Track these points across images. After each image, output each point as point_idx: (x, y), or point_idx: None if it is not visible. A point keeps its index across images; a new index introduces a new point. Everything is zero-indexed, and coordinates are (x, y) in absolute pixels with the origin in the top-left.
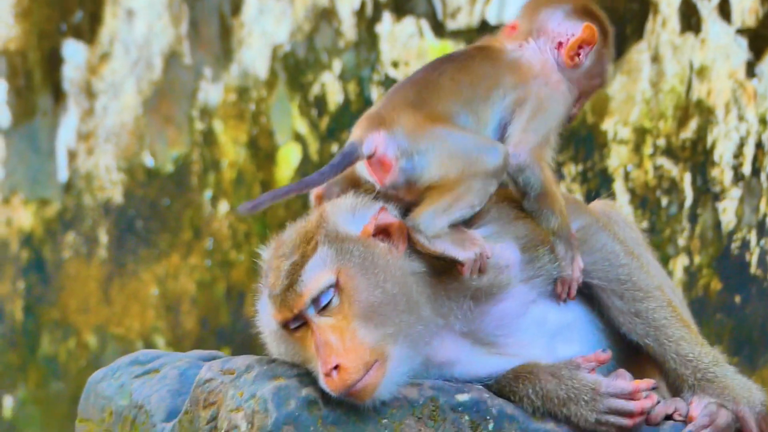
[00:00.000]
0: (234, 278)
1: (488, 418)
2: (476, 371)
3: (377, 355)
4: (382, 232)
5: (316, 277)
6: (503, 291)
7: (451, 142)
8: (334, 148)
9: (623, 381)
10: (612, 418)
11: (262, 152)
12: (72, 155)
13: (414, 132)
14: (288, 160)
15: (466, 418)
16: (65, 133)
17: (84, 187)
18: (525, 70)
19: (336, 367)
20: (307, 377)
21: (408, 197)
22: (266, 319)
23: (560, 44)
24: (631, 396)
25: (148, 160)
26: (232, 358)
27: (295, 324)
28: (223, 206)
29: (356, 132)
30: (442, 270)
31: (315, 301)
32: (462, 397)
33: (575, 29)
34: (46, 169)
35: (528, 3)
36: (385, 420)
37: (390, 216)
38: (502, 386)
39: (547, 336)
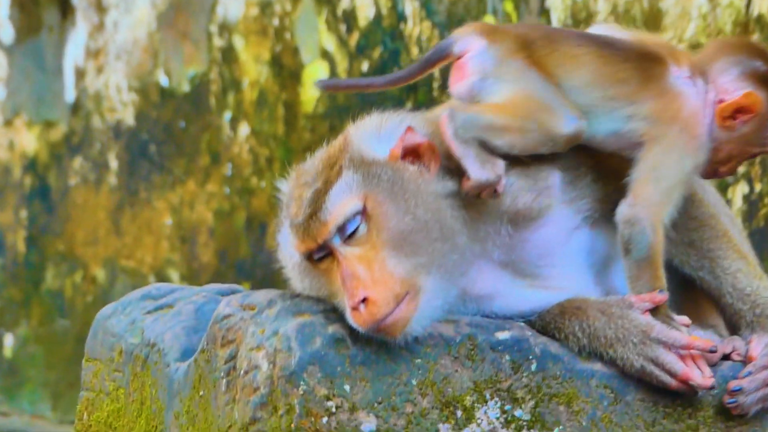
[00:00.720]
0: (255, 207)
1: (531, 357)
2: (517, 306)
3: (408, 287)
4: (411, 153)
5: (342, 204)
6: (544, 215)
7: (534, 86)
8: (365, 66)
9: (677, 332)
10: (656, 370)
11: (286, 71)
12: (80, 74)
13: (509, 59)
14: (314, 79)
15: (507, 357)
16: (73, 49)
17: (93, 108)
18: (674, 107)
19: (364, 300)
20: (334, 313)
21: None
22: (289, 251)
23: (721, 101)
24: (682, 348)
25: (163, 79)
26: (252, 293)
27: (320, 255)
28: (244, 129)
29: (463, 29)
30: None
31: (340, 229)
32: (502, 335)
33: (739, 92)
34: (52, 89)
35: (721, 41)
36: (419, 360)
37: (418, 136)
38: (546, 323)
39: (595, 268)
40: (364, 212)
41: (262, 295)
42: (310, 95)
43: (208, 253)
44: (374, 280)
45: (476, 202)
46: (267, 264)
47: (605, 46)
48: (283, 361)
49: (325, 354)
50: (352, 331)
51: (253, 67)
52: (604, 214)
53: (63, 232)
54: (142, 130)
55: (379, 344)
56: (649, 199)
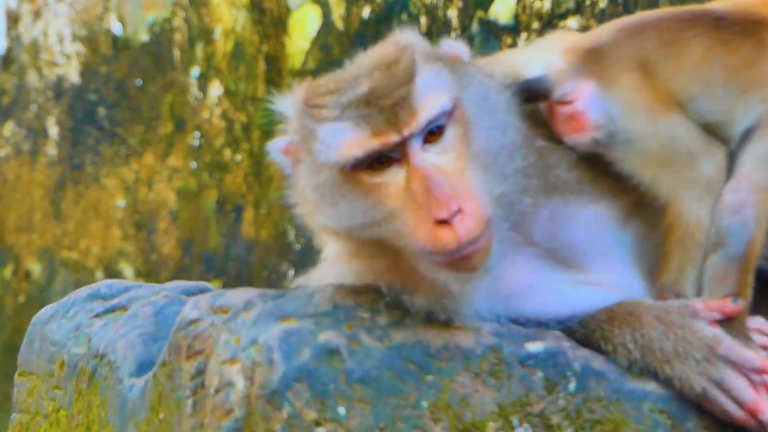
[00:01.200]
0: (228, 186)
1: (569, 375)
2: (554, 306)
3: (488, 217)
4: None
5: (433, 96)
6: (594, 188)
7: (669, 138)
8: (365, 12)
9: (751, 351)
10: (720, 396)
11: (269, 17)
12: (12, 19)
13: (633, 107)
14: (303, 27)
15: (540, 374)
16: None
17: (27, 61)
18: None
19: (458, 213)
20: (328, 318)
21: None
22: (331, 155)
23: None
24: (755, 372)
25: (115, 27)
26: (225, 292)
27: (385, 158)
28: (215, 89)
29: (558, 61)
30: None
31: (429, 126)
32: (534, 347)
33: None
34: None
35: None
36: (431, 376)
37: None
38: (589, 331)
39: (650, 264)
40: (452, 115)
41: (237, 295)
42: (297, 47)
43: (170, 243)
44: (467, 194)
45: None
46: (244, 255)
47: (712, 23)
48: (263, 376)
49: (315, 368)
50: (348, 340)
51: (228, 13)
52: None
53: None
54: (88, 89)
55: (381, 357)
56: (759, 185)
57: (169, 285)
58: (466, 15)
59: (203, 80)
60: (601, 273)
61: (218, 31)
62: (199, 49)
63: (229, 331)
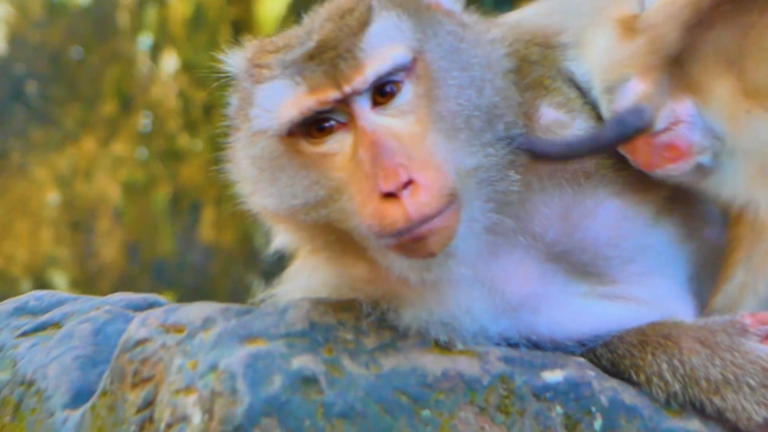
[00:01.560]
0: (185, 178)
1: (594, 410)
2: (574, 323)
3: (454, 191)
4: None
5: (386, 47)
6: (616, 180)
7: None
8: None
9: None
10: None
11: None
12: None
13: (734, 117)
14: None
15: (559, 410)
16: None
17: None
18: None
19: (408, 185)
20: (302, 339)
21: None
22: (265, 119)
23: None
24: None
25: None
26: (179, 307)
27: (326, 121)
28: (170, 61)
29: (638, 83)
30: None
31: (377, 82)
32: (552, 376)
33: None
34: None
35: None
36: (426, 411)
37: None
38: (617, 357)
39: (685, 273)
40: (411, 70)
41: (193, 311)
42: (270, 12)
43: (113, 247)
44: (423, 162)
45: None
46: (202, 264)
47: None
48: (224, 409)
49: (287, 400)
50: (327, 367)
51: None
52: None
53: None
54: (16, 60)
55: (367, 387)
56: None
57: (112, 298)
58: None
59: (155, 51)
60: (628, 285)
61: None
62: (151, 14)
63: (184, 354)
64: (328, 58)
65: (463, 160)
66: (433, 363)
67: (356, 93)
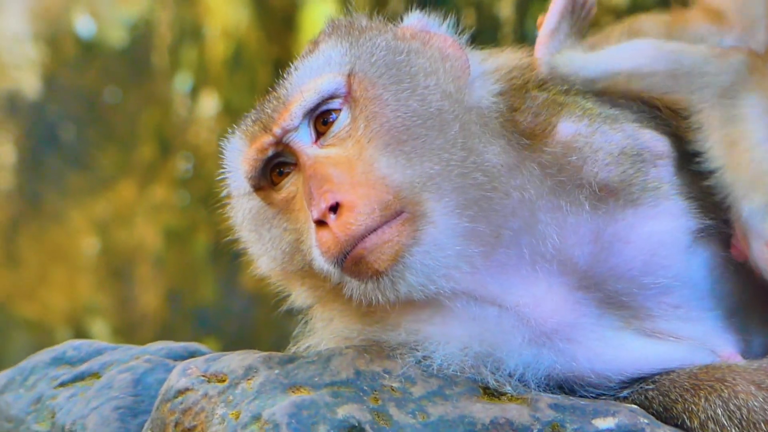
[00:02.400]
0: (226, 225)
1: None
2: (613, 358)
3: (407, 202)
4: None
5: (314, 80)
6: (650, 200)
7: None
8: (397, 6)
9: None
10: None
11: (275, 13)
12: None
13: None
14: (317, 25)
15: None
16: None
17: None
18: None
19: (336, 208)
20: (348, 388)
21: None
22: (237, 181)
23: None
24: None
25: (84, 26)
26: (221, 356)
27: (277, 167)
28: (210, 102)
29: None
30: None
31: (310, 113)
32: (604, 424)
33: None
34: None
35: None
36: None
37: (440, 30)
38: (670, 401)
39: (730, 308)
40: (348, 95)
41: (236, 360)
42: None
43: (153, 295)
44: (354, 182)
45: (535, 148)
46: (244, 312)
47: None
48: None
49: None
50: (374, 416)
51: (224, 7)
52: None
53: None
54: (50, 103)
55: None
56: None
57: (152, 347)
58: (519, 10)
59: (195, 92)
60: (666, 320)
61: (213, 31)
62: (189, 54)
63: (227, 404)
64: (263, 109)
65: (410, 170)
66: (481, 411)
67: (289, 131)
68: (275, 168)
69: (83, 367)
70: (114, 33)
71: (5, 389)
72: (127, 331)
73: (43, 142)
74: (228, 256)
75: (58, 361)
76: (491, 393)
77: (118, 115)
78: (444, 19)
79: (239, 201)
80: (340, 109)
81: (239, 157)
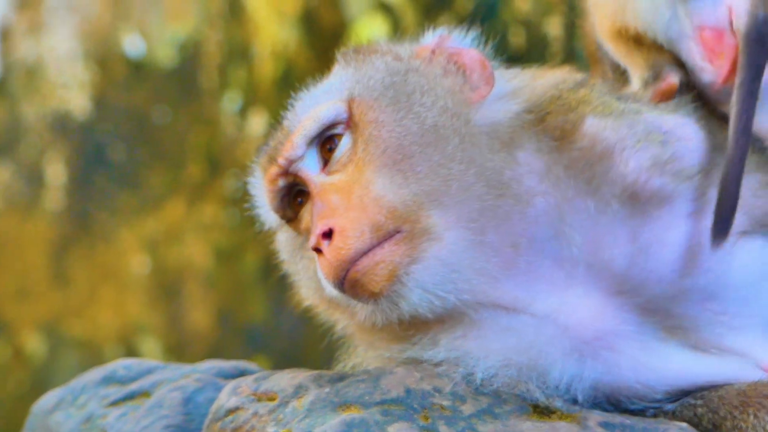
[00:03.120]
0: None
1: None
2: (658, 369)
3: (402, 220)
4: (451, 61)
5: (316, 108)
6: (686, 195)
7: None
8: (445, 22)
9: None
10: None
11: (325, 28)
12: (5, 35)
13: None
14: (365, 41)
15: None
16: None
17: (23, 87)
18: None
19: (328, 235)
20: (398, 407)
21: None
22: (267, 215)
23: None
24: None
25: (132, 46)
26: (271, 375)
27: (293, 197)
28: (259, 121)
29: None
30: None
31: (315, 141)
32: None
33: None
34: None
35: None
36: None
37: (466, 44)
38: (719, 418)
39: None
40: (349, 120)
41: (286, 379)
42: None
43: (203, 314)
44: (348, 206)
45: (566, 160)
46: (294, 330)
47: None
48: None
49: None
50: None
51: (274, 25)
52: None
53: None
54: (99, 122)
55: None
56: None
57: (202, 366)
58: (569, 29)
59: (244, 111)
60: (710, 331)
61: (262, 50)
62: (238, 73)
63: (277, 423)
64: (271, 140)
65: (406, 189)
66: (531, 429)
67: (294, 161)
68: (296, 197)
69: (133, 386)
70: (163, 52)
71: (55, 408)
72: (177, 350)
73: (93, 161)
74: (277, 274)
75: (109, 380)
76: (541, 411)
77: (167, 134)
78: (486, 37)
79: (277, 233)
80: (342, 134)
81: (259, 192)
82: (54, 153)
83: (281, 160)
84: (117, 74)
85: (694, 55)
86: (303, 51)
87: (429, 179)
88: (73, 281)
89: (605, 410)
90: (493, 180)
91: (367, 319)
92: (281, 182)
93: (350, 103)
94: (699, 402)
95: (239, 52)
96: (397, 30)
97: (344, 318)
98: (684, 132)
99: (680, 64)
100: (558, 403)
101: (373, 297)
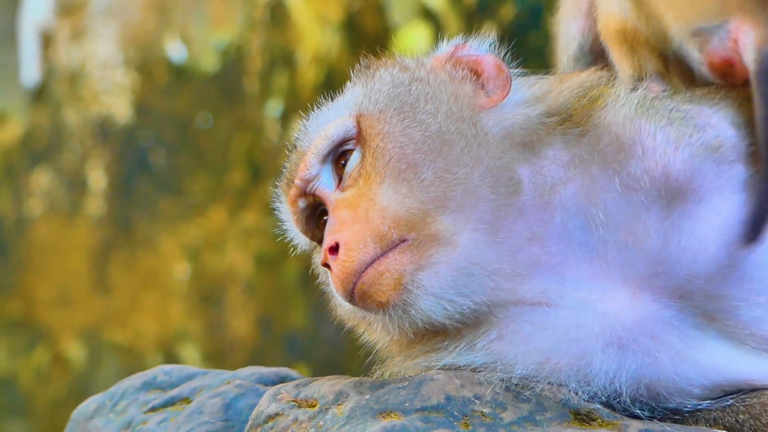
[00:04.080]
0: None
1: None
2: (698, 363)
3: (408, 228)
4: (469, 69)
5: (326, 126)
6: (715, 175)
7: None
8: (488, 30)
9: None
10: None
11: (368, 34)
12: (47, 41)
13: None
14: (408, 47)
15: None
16: (35, 3)
17: (65, 94)
18: None
19: (336, 249)
20: (439, 414)
21: None
22: (298, 238)
23: None
24: None
25: (175, 51)
26: (311, 381)
27: (316, 218)
28: None
29: (745, 24)
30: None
31: (329, 159)
32: None
33: None
34: (3, 64)
35: None
36: None
37: (482, 51)
38: (761, 425)
39: None
40: (359, 135)
41: (326, 385)
42: None
43: (244, 320)
44: (354, 220)
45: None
46: (335, 337)
47: None
48: None
49: None
50: None
51: (316, 31)
52: None
53: (17, 288)
54: (141, 128)
55: None
56: None
57: (242, 372)
58: None
59: (286, 118)
60: (753, 311)
61: (305, 55)
62: (280, 79)
63: (317, 429)
64: (288, 162)
65: (411, 198)
66: None
67: (310, 180)
68: (320, 217)
69: (174, 392)
70: (205, 58)
71: (95, 414)
72: (218, 357)
73: (135, 167)
74: (318, 282)
75: (149, 385)
76: (582, 418)
77: (209, 140)
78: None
79: (312, 253)
80: (354, 150)
81: (287, 215)
82: (96, 159)
83: (298, 181)
84: (159, 80)
85: (706, 75)
86: (345, 57)
87: (434, 186)
88: (114, 287)
89: (646, 405)
90: (503, 179)
91: (386, 331)
92: (302, 203)
93: (358, 118)
94: (741, 407)
95: (281, 58)
96: (440, 37)
97: (371, 332)
98: (715, 115)
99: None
100: (598, 409)
101: (382, 307)
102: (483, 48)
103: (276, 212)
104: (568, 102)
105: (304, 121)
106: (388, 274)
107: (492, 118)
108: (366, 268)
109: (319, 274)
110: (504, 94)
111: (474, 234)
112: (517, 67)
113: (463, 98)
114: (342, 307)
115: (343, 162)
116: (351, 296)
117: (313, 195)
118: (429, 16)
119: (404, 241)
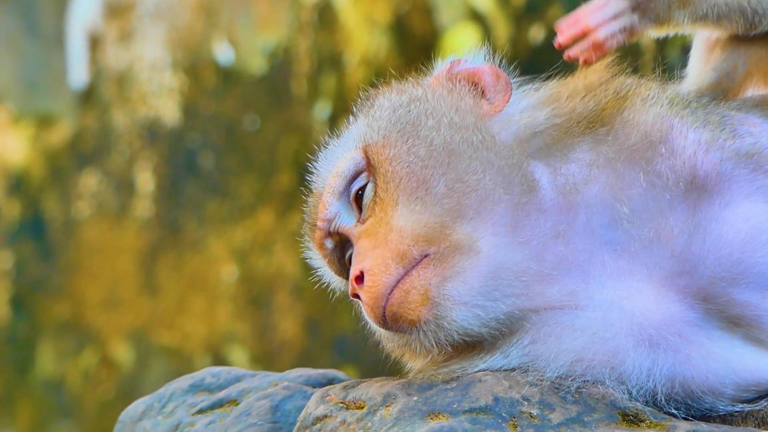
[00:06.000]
0: None
1: None
2: (729, 363)
3: (428, 244)
4: (469, 82)
5: (338, 164)
6: (745, 173)
7: None
8: (537, 33)
9: None
10: None
11: (416, 36)
12: (95, 44)
13: None
14: (459, 52)
15: None
16: (82, 6)
17: (113, 96)
18: None
19: (361, 278)
20: (487, 415)
21: None
22: (336, 282)
23: None
24: None
25: (222, 54)
26: (359, 383)
27: (343, 255)
28: None
29: None
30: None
31: (345, 195)
32: None
33: None
34: (51, 67)
35: None
36: None
37: (478, 63)
38: None
39: None
40: (368, 166)
41: (374, 387)
42: None
43: (292, 322)
44: (374, 246)
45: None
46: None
47: None
48: None
49: None
50: None
51: (364, 34)
52: None
53: (66, 290)
54: (190, 130)
55: None
56: None
57: (290, 374)
58: (662, 39)
59: (334, 120)
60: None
61: (353, 57)
62: (328, 81)
63: (365, 431)
64: (307, 206)
65: (426, 214)
66: None
67: (332, 219)
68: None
69: (222, 394)
70: (253, 60)
71: (143, 416)
72: (266, 359)
73: (182, 169)
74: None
75: (197, 387)
76: (630, 419)
77: (257, 142)
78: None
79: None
80: (367, 182)
81: (319, 261)
82: (143, 161)
83: (320, 223)
84: (207, 82)
85: None
86: (393, 59)
87: (447, 197)
88: (162, 290)
89: (681, 404)
90: (516, 178)
91: (425, 351)
92: (329, 244)
93: (365, 149)
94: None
95: (329, 60)
96: (488, 40)
97: (412, 356)
98: (744, 117)
99: None
100: (645, 410)
101: (415, 325)
102: (478, 60)
103: (308, 261)
104: (586, 104)
105: (314, 162)
106: (414, 290)
107: (498, 123)
108: (392, 290)
109: (363, 319)
110: (506, 99)
111: (495, 238)
112: (520, 74)
113: (464, 108)
114: (382, 336)
115: (360, 193)
116: (384, 321)
117: (338, 233)
118: (477, 17)
119: (426, 256)
